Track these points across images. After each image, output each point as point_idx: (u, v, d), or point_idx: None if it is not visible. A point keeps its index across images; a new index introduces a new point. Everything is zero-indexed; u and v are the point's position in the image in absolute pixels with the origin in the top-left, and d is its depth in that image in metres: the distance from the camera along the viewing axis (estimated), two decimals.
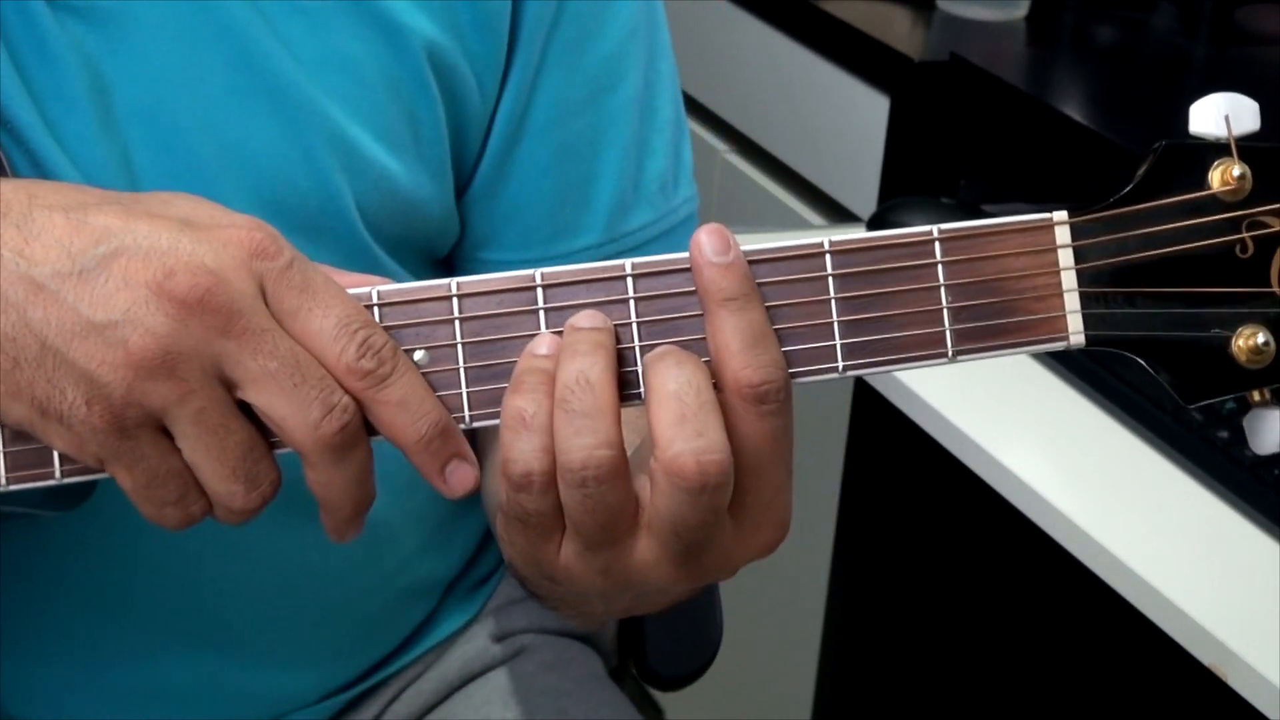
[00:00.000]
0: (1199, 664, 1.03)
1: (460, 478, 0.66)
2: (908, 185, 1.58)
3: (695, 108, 1.88)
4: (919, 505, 1.68)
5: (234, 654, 0.90)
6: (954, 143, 1.57)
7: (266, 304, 0.63)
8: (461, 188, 0.88)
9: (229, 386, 0.63)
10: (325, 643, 0.93)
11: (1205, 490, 1.16)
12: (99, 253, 0.62)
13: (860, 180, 1.63)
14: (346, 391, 0.63)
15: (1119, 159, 1.37)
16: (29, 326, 0.61)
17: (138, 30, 0.78)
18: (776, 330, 0.65)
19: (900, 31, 1.64)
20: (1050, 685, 1.76)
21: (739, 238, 0.65)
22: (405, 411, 0.64)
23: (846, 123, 1.65)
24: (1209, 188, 0.65)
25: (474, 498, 0.99)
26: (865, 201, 1.61)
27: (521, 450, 0.63)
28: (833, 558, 1.68)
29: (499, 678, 0.99)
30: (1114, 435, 1.22)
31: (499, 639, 1.00)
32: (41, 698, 0.87)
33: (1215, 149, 0.65)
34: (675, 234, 0.92)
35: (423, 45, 0.83)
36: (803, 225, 1.72)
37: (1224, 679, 1.01)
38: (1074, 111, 1.45)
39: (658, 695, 2.03)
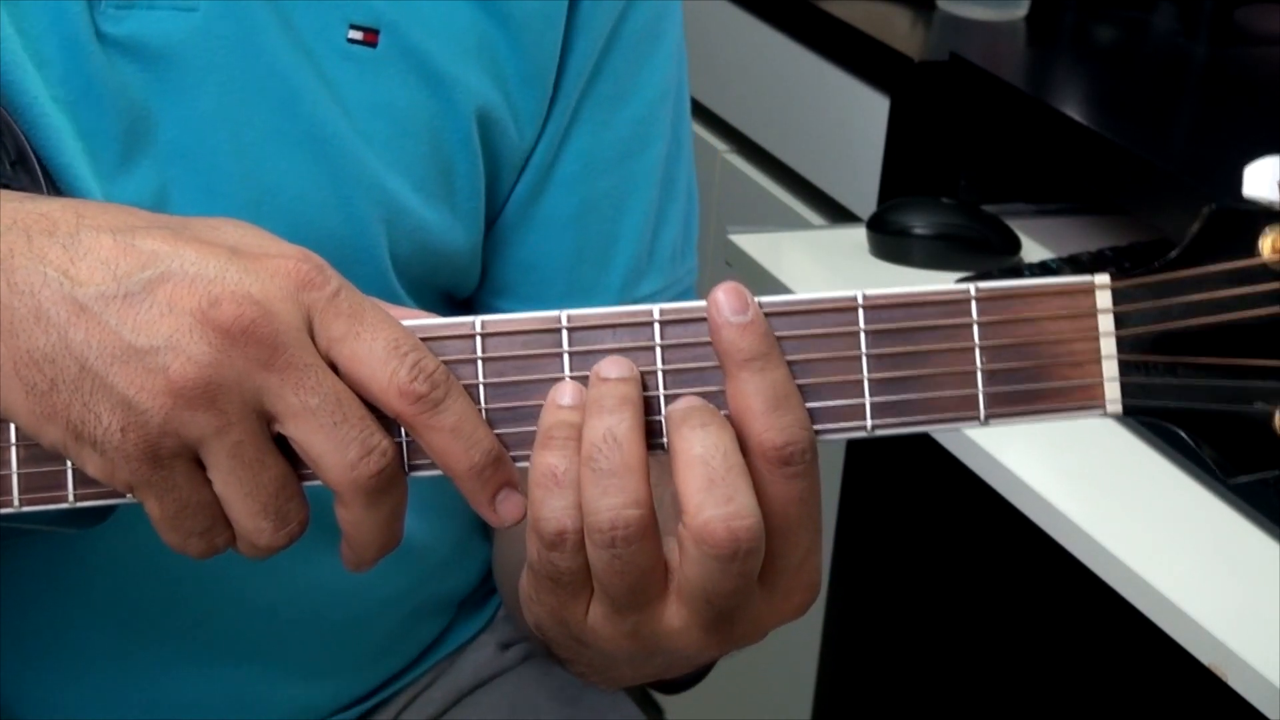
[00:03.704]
0: (1199, 664, 1.03)
1: (510, 507, 0.64)
2: (908, 185, 1.58)
3: (695, 107, 1.87)
4: (919, 505, 1.68)
5: (252, 666, 0.89)
6: (954, 143, 1.57)
7: (314, 336, 0.62)
8: (485, 231, 0.88)
9: (267, 420, 0.61)
10: (343, 656, 0.93)
11: (1205, 490, 1.15)
12: (145, 277, 0.61)
13: (860, 180, 1.63)
14: (397, 416, 0.62)
15: (1119, 159, 1.37)
16: (69, 348, 0.60)
17: (187, 72, 0.78)
18: (802, 386, 0.62)
19: (900, 31, 1.64)
20: (1050, 685, 1.76)
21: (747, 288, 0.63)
22: (458, 438, 0.62)
23: (846, 123, 1.64)
24: (1259, 255, 0.61)
25: None
26: (865, 201, 1.61)
27: (554, 508, 0.61)
28: (833, 558, 1.68)
29: (506, 683, 0.99)
30: (1113, 435, 1.22)
31: (506, 646, 1.00)
32: (61, 710, 0.86)
33: (1268, 215, 0.61)
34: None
35: (473, 103, 0.82)
36: (803, 225, 1.71)
37: (1224, 679, 1.01)
38: (1074, 111, 1.45)
39: (658, 695, 2.03)
